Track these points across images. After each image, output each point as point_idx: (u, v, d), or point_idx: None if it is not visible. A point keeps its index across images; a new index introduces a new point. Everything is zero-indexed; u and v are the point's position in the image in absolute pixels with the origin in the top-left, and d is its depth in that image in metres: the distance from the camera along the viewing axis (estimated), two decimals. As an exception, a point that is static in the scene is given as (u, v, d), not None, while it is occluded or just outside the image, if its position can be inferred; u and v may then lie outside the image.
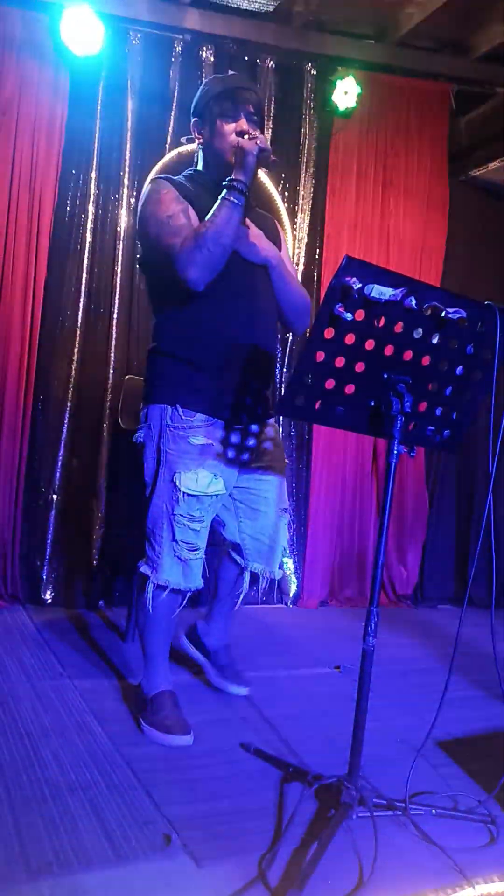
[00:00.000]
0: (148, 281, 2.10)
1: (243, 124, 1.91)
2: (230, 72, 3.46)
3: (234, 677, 2.24)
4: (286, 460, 2.21)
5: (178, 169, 3.43)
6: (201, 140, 2.00)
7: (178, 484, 1.89)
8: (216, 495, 1.94)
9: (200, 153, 2.05)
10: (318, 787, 1.62)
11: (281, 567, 2.22)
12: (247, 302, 1.93)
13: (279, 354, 3.54)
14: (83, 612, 3.17)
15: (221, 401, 1.93)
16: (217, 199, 1.82)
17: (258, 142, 1.82)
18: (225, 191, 1.81)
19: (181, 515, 1.91)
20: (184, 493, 1.89)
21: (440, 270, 3.99)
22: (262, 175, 3.52)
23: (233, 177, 1.81)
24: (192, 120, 2.01)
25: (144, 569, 1.99)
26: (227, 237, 1.78)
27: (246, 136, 1.85)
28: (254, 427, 2.03)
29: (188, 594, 2.00)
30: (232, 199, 1.79)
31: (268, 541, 2.12)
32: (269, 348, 2.01)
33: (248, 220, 1.98)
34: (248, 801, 1.63)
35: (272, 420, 2.12)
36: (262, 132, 1.95)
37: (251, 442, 2.03)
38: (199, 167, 2.06)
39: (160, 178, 1.97)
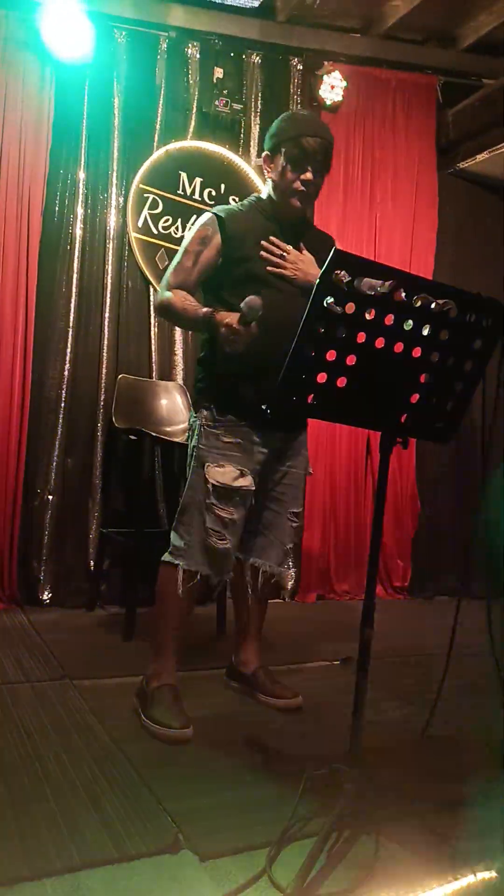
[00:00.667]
0: (205, 290, 2.20)
1: (308, 176, 2.05)
2: (217, 69, 3.45)
3: (281, 692, 2.24)
4: (309, 469, 2.31)
5: (169, 164, 3.45)
6: (270, 174, 2.13)
7: (207, 475, 2.04)
8: (244, 489, 2.06)
9: (269, 183, 2.16)
10: (319, 779, 1.63)
11: (285, 568, 2.29)
12: (283, 320, 1.93)
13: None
14: (81, 612, 3.18)
15: (251, 406, 2.02)
16: (266, 227, 2.08)
17: (229, 333, 1.85)
18: (210, 313, 1.93)
19: (212, 504, 2.04)
20: (212, 484, 2.03)
21: (430, 262, 4.00)
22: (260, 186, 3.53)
23: (220, 316, 1.89)
24: (265, 153, 2.14)
25: (169, 558, 2.08)
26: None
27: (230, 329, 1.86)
28: (279, 433, 2.16)
29: (210, 589, 2.14)
30: (203, 318, 1.94)
31: (273, 538, 2.23)
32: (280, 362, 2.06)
33: (301, 245, 2.13)
34: (250, 794, 1.64)
35: (300, 428, 2.26)
36: (326, 172, 2.10)
37: (277, 445, 2.16)
38: (264, 196, 2.19)
39: (213, 212, 2.11)
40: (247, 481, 2.06)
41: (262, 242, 2.06)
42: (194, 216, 3.49)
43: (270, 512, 2.23)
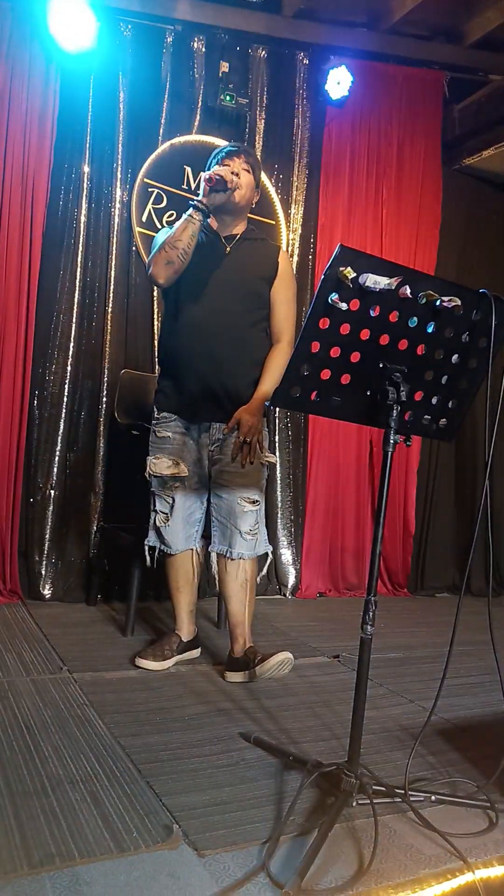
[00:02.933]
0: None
1: (234, 165, 2.32)
2: (223, 63, 3.48)
3: (271, 654, 2.32)
4: (263, 457, 2.38)
5: (174, 159, 3.45)
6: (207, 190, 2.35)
7: (147, 467, 2.44)
8: (176, 476, 2.39)
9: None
10: (317, 775, 1.63)
11: (248, 552, 2.39)
12: (209, 328, 2.31)
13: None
14: (82, 606, 3.18)
15: (179, 402, 2.39)
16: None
17: (212, 171, 2.23)
18: (188, 209, 2.23)
19: (153, 491, 2.46)
20: (149, 473, 2.43)
21: (434, 259, 4.00)
22: (266, 181, 3.56)
23: (195, 197, 2.25)
24: (204, 179, 2.34)
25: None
26: (182, 242, 2.23)
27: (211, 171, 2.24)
28: (214, 424, 2.39)
29: (174, 554, 2.46)
30: (192, 215, 2.23)
31: (228, 524, 2.38)
32: (228, 363, 2.31)
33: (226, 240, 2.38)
34: (248, 790, 1.64)
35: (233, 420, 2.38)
36: (257, 184, 2.41)
37: (217, 437, 2.40)
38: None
39: (165, 229, 2.42)
40: (178, 469, 2.38)
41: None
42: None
43: (223, 500, 2.39)
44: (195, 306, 2.32)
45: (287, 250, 3.64)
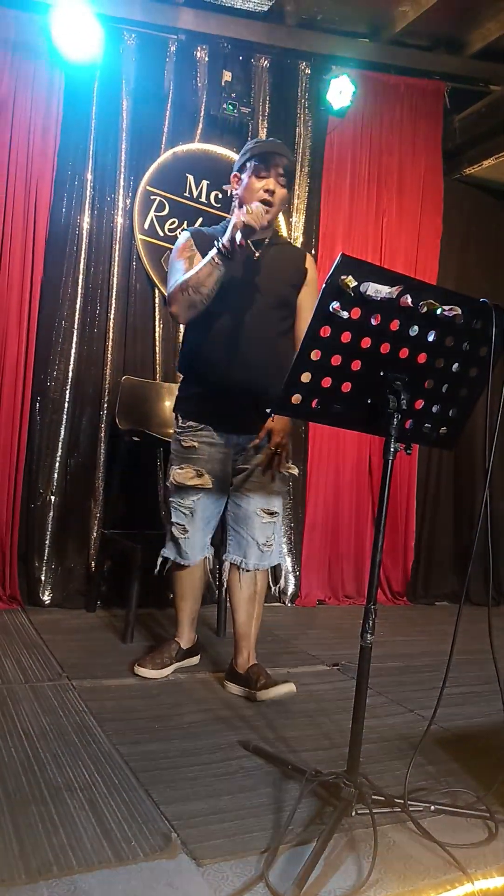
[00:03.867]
0: None
1: (270, 183, 2.19)
2: (226, 72, 3.48)
3: (273, 683, 2.26)
4: (287, 468, 2.37)
5: (176, 167, 3.46)
6: (237, 190, 2.28)
7: (170, 476, 2.36)
8: (199, 487, 2.30)
9: (235, 201, 2.31)
10: (317, 784, 1.63)
11: (263, 563, 2.38)
12: (236, 336, 2.23)
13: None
14: (81, 612, 3.17)
15: (207, 412, 2.31)
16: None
17: (245, 218, 2.05)
18: (214, 249, 2.09)
19: (172, 500, 2.37)
20: (171, 483, 2.35)
21: (435, 268, 4.00)
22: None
23: (222, 240, 2.08)
24: (233, 174, 2.30)
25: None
26: (207, 288, 2.12)
27: (246, 208, 2.09)
28: (242, 435, 2.32)
29: (188, 566, 2.40)
30: (215, 259, 2.09)
31: (245, 535, 2.35)
32: (260, 372, 2.22)
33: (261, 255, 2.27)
34: (247, 799, 1.63)
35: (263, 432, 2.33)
36: (290, 190, 2.30)
37: (242, 447, 2.32)
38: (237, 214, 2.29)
39: (189, 230, 2.35)
40: (202, 481, 2.30)
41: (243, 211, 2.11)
42: (200, 219, 3.51)
43: (241, 510, 2.35)
44: (226, 314, 2.22)
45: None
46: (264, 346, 2.25)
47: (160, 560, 2.43)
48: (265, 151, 2.22)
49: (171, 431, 2.43)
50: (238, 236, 2.04)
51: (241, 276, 2.22)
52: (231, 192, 2.31)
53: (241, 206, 2.19)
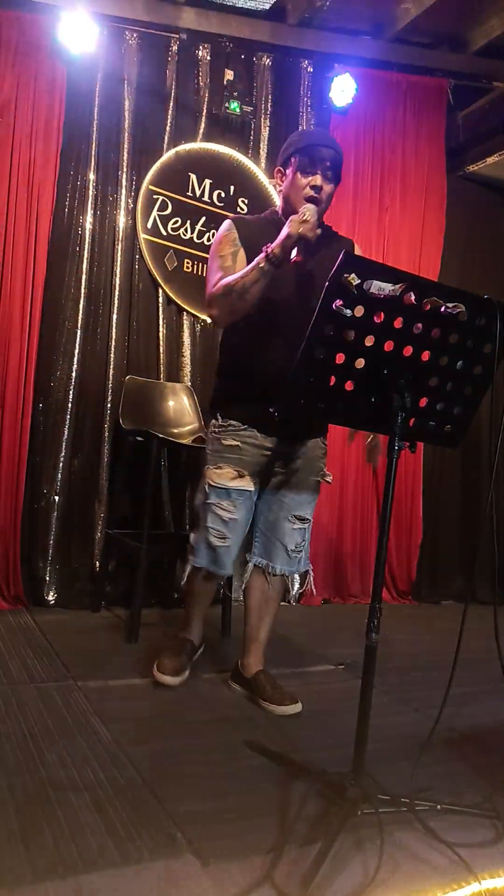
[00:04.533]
0: None
1: (317, 180, 2.08)
2: (227, 71, 3.47)
3: (280, 698, 2.22)
4: (325, 476, 2.34)
5: (179, 166, 3.46)
6: (280, 186, 2.19)
7: (206, 477, 2.18)
8: (240, 490, 2.16)
9: (280, 197, 2.23)
10: (322, 784, 1.62)
11: (292, 569, 2.34)
12: (287, 335, 2.05)
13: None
14: (86, 613, 3.17)
15: (253, 410, 2.11)
16: (276, 236, 1.98)
17: (301, 229, 1.93)
18: (262, 255, 1.97)
19: (210, 504, 2.16)
20: (210, 484, 2.16)
21: (438, 265, 3.99)
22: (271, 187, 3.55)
23: (272, 247, 1.96)
24: (277, 168, 2.21)
25: (188, 555, 2.25)
26: (252, 295, 1.99)
27: (302, 211, 1.97)
28: (286, 437, 2.20)
29: (221, 578, 2.32)
30: (263, 265, 1.96)
31: (274, 539, 2.27)
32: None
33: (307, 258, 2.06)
34: (253, 799, 1.63)
35: (315, 438, 2.27)
36: (336, 181, 2.13)
37: (283, 449, 2.21)
38: (278, 207, 2.24)
39: (231, 218, 2.22)
40: (244, 482, 2.15)
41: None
42: (203, 218, 3.51)
43: (273, 514, 2.27)
44: (279, 310, 2.08)
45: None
46: None
47: (188, 569, 2.25)
48: (310, 144, 2.10)
49: (210, 430, 2.25)
50: (293, 253, 1.94)
51: (291, 275, 2.08)
52: (276, 186, 2.22)
53: (286, 203, 2.14)
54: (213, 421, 2.23)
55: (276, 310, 2.09)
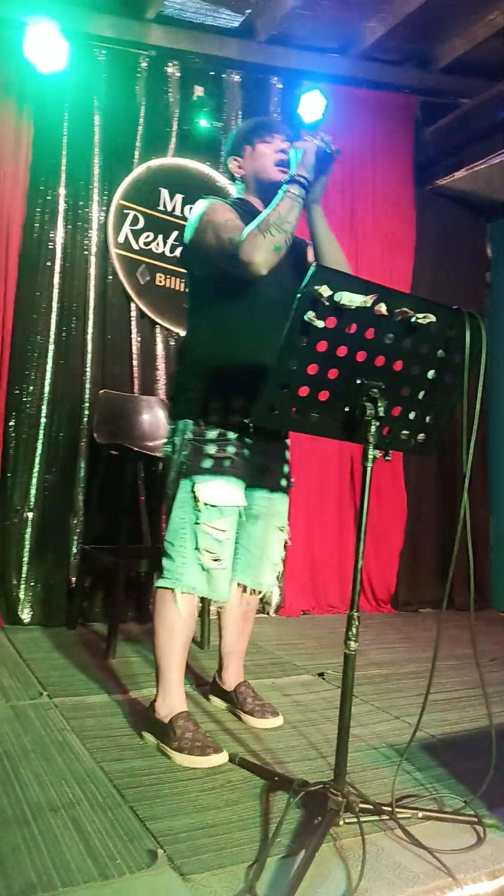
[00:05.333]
0: (190, 290, 2.10)
1: (280, 143, 2.03)
2: (197, 87, 3.50)
3: (261, 712, 2.19)
4: (291, 481, 2.25)
5: (150, 181, 3.48)
6: (241, 170, 2.09)
7: (198, 494, 1.94)
8: (234, 506, 1.98)
9: (240, 185, 2.12)
10: (304, 794, 1.61)
11: (274, 584, 2.26)
12: (273, 325, 1.89)
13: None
14: (62, 630, 3.13)
15: (235, 416, 1.98)
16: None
17: (316, 140, 1.86)
18: (286, 185, 1.86)
19: (204, 525, 1.94)
20: (204, 503, 1.93)
21: (409, 277, 4.05)
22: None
23: (295, 173, 1.86)
24: (230, 158, 2.10)
25: (164, 582, 1.97)
26: (290, 224, 1.83)
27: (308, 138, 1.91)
28: (266, 445, 2.08)
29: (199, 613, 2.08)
30: (294, 191, 1.85)
31: (258, 553, 2.17)
32: None
33: None
34: (233, 812, 1.62)
35: (283, 439, 2.18)
36: None
37: (261, 459, 2.08)
38: (242, 196, 2.11)
39: (213, 197, 2.04)
40: (238, 497, 1.99)
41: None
42: (175, 232, 3.52)
43: (258, 528, 2.14)
44: (263, 306, 1.96)
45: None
46: None
47: (175, 597, 1.94)
48: (261, 120, 2.11)
49: (183, 439, 1.99)
50: (310, 157, 1.86)
51: (280, 272, 1.95)
52: (236, 173, 2.09)
53: (256, 181, 2.05)
54: (193, 427, 1.98)
55: (267, 303, 1.97)
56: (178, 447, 2.01)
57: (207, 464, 1.95)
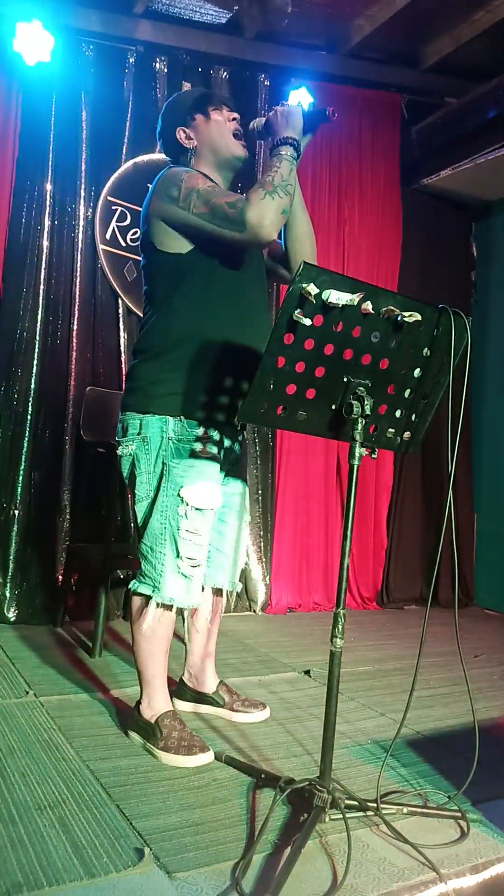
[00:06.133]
0: (157, 269, 1.92)
1: (229, 114, 1.96)
2: (185, 83, 3.49)
3: (246, 707, 2.19)
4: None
5: (137, 177, 3.46)
6: (192, 141, 1.97)
7: (184, 498, 1.84)
8: (213, 508, 1.92)
9: (193, 155, 1.99)
10: (289, 791, 1.62)
11: (240, 581, 2.23)
12: (253, 308, 1.93)
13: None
14: (48, 628, 3.12)
15: (215, 408, 1.87)
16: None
17: (298, 105, 1.81)
18: (279, 148, 1.80)
19: (186, 531, 1.86)
20: (191, 507, 1.85)
21: (395, 275, 4.07)
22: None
23: (284, 135, 1.80)
24: (178, 129, 1.98)
25: (143, 588, 1.90)
26: (292, 186, 1.77)
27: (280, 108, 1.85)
28: (237, 439, 2.01)
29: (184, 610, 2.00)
30: (289, 153, 1.79)
31: (232, 553, 2.13)
32: (259, 351, 1.72)
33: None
34: (220, 810, 1.62)
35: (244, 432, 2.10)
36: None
37: (235, 449, 2.01)
38: (199, 167, 1.98)
39: (178, 166, 1.94)
40: (219, 498, 1.92)
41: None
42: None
43: (228, 526, 2.09)
44: (239, 285, 1.89)
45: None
46: (266, 325, 1.93)
47: (156, 603, 1.87)
48: (206, 91, 2.02)
49: (163, 437, 1.87)
50: (297, 117, 1.82)
51: (252, 257, 1.92)
52: (187, 143, 1.98)
53: (212, 149, 1.96)
54: (173, 424, 1.85)
55: (242, 283, 1.91)
56: (152, 445, 1.88)
57: (192, 465, 1.86)
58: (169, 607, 1.89)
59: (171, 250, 1.87)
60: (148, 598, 1.89)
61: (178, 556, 1.87)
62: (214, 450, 1.90)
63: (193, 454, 1.87)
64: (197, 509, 1.86)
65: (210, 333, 1.86)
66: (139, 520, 1.94)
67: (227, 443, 1.94)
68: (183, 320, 1.87)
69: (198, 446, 1.87)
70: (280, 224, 1.75)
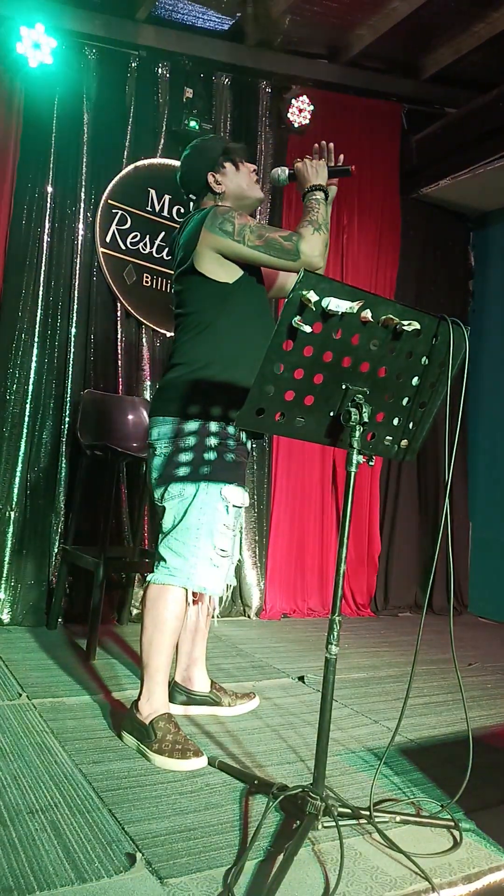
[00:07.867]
0: (204, 294, 2.07)
1: (252, 166, 2.21)
2: (187, 89, 3.51)
3: (237, 699, 2.27)
4: None
5: (138, 181, 3.47)
6: (220, 186, 2.16)
7: (225, 496, 1.99)
8: (246, 505, 2.11)
9: (221, 198, 2.18)
10: (282, 798, 1.62)
11: (233, 584, 2.30)
12: (269, 323, 2.06)
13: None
14: (42, 630, 3.11)
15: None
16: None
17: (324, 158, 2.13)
18: (313, 193, 2.06)
19: (223, 525, 2.00)
20: (231, 505, 2.00)
21: (394, 284, 4.09)
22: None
23: (315, 183, 2.08)
24: (209, 173, 2.16)
25: (170, 579, 1.98)
26: (328, 224, 2.04)
27: (310, 159, 2.14)
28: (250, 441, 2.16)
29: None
30: (320, 197, 2.06)
31: (234, 555, 2.17)
32: None
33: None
34: (212, 816, 1.62)
35: None
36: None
37: (247, 455, 2.17)
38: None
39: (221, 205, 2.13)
40: (248, 497, 2.15)
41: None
42: (162, 233, 3.52)
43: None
44: (264, 309, 2.15)
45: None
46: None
47: (186, 595, 1.98)
48: (233, 144, 2.26)
49: (199, 439, 1.98)
50: (323, 171, 2.11)
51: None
52: (216, 186, 2.16)
53: (236, 195, 2.16)
54: (213, 428, 1.98)
55: (264, 306, 2.15)
56: (191, 447, 1.98)
57: (231, 466, 2.01)
58: (195, 598, 2.01)
59: (220, 279, 2.04)
60: (167, 589, 1.98)
61: (213, 547, 2.00)
62: (243, 452, 2.07)
63: (229, 455, 2.01)
64: (235, 506, 2.02)
65: (248, 351, 2.01)
66: (171, 517, 2.02)
67: (249, 447, 2.14)
68: (226, 339, 2.04)
69: (231, 448, 2.02)
70: (326, 254, 2.02)
